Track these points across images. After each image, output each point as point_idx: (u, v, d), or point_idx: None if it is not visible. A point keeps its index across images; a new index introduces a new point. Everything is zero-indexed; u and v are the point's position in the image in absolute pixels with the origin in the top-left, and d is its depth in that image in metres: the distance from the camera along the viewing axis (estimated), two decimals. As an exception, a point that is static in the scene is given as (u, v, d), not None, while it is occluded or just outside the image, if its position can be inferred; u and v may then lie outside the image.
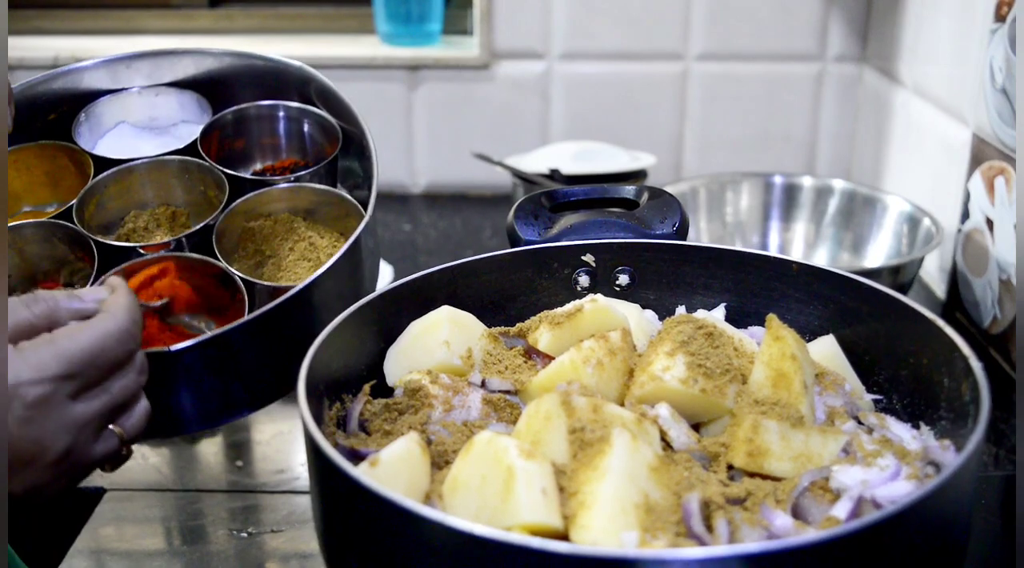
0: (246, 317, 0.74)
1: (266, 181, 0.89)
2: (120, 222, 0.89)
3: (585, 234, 0.82)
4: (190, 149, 0.90)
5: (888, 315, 0.72)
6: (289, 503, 0.90)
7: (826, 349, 0.73)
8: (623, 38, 1.63)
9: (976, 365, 0.61)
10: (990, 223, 1.14)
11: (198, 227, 0.84)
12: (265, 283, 0.82)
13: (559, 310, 0.75)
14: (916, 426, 0.69)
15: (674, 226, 0.82)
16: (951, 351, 0.65)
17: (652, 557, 0.46)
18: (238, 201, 0.86)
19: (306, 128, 0.96)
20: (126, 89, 0.95)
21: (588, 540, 0.52)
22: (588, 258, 0.81)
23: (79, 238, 0.83)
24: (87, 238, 0.83)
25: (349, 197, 0.86)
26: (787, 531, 0.55)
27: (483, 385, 0.71)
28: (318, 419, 0.62)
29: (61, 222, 0.84)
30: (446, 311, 0.74)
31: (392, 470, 0.58)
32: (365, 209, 0.83)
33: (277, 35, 1.78)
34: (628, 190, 0.86)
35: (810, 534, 0.50)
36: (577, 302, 0.75)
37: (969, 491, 0.57)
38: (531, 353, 0.74)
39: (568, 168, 1.41)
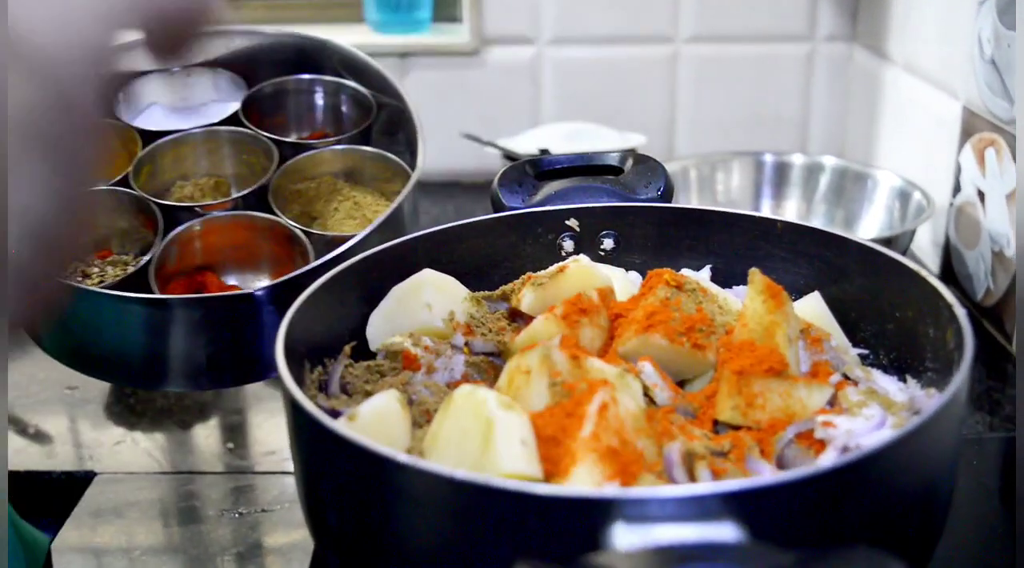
0: (319, 260, 0.78)
1: (312, 144, 0.93)
2: (167, 193, 0.91)
3: (569, 200, 0.81)
4: (233, 121, 0.94)
5: (872, 270, 0.71)
6: (280, 483, 0.89)
7: (812, 306, 0.72)
8: (612, 22, 1.62)
9: (960, 312, 0.61)
10: (981, 195, 1.13)
11: (255, 187, 0.88)
12: (325, 232, 0.87)
13: (542, 272, 0.74)
14: (903, 379, 0.68)
15: (659, 191, 0.81)
16: (935, 300, 0.64)
17: (630, 497, 0.46)
18: (290, 161, 0.90)
19: (340, 100, 1.00)
20: (162, 69, 0.97)
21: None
22: (572, 222, 0.81)
23: (143, 204, 0.85)
24: (151, 203, 0.85)
25: (396, 158, 0.92)
26: (773, 481, 0.55)
27: (466, 347, 0.70)
28: (299, 382, 0.61)
29: (126, 190, 0.86)
30: (428, 274, 0.73)
31: (371, 424, 0.57)
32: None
33: (267, 25, 1.77)
34: (613, 157, 0.85)
35: (789, 473, 0.49)
36: (561, 263, 0.74)
37: (953, 436, 0.57)
38: (515, 316, 0.74)
39: (558, 148, 1.40)
